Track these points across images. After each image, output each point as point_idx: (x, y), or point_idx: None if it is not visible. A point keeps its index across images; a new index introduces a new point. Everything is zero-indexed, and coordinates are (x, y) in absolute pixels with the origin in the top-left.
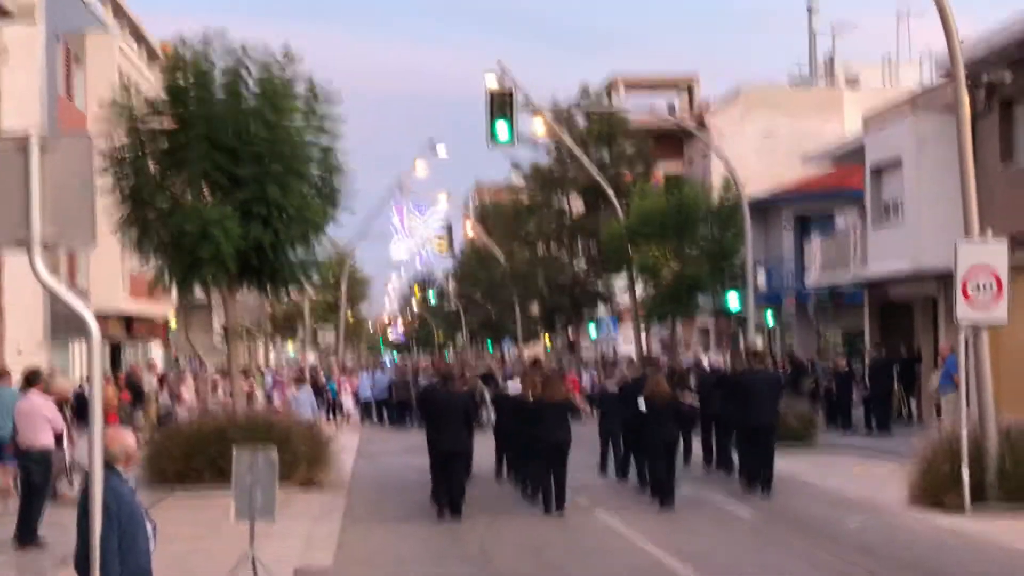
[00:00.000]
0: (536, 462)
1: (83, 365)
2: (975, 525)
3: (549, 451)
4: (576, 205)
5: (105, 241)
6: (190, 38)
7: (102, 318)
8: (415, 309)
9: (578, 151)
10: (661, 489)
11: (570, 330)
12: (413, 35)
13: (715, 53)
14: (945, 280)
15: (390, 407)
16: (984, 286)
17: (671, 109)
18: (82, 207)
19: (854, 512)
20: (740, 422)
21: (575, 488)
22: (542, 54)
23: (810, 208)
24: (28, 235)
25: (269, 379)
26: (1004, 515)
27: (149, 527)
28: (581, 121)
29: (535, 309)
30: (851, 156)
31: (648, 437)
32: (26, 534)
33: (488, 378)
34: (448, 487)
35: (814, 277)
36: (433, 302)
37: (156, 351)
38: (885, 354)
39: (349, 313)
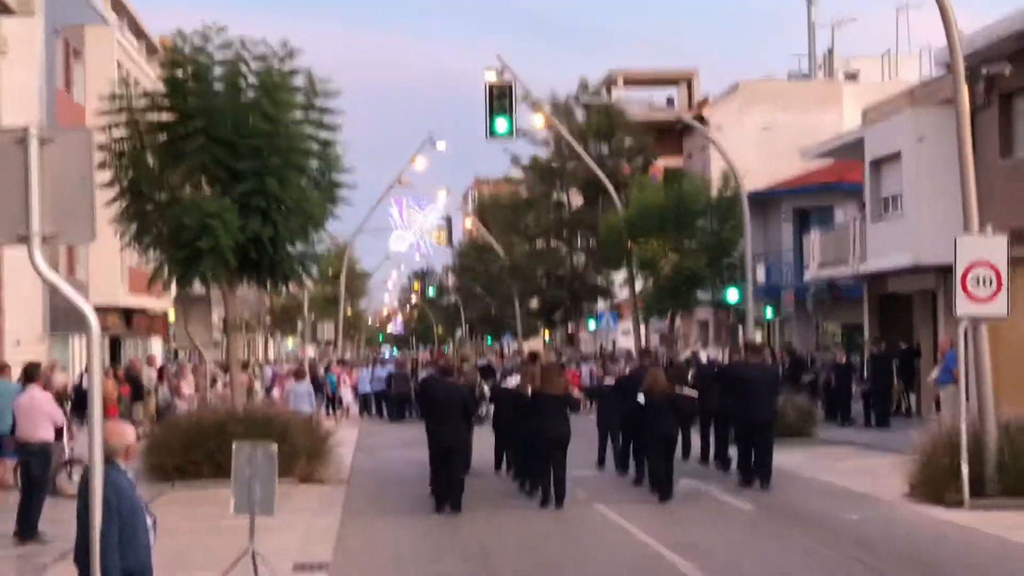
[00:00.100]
0: (535, 456)
1: (83, 359)
2: (974, 519)
3: (548, 445)
4: (575, 199)
5: (104, 235)
6: (189, 32)
7: (101, 312)
8: (414, 303)
9: (577, 145)
10: (660, 483)
11: (569, 324)
12: (413, 31)
13: (714, 50)
14: (945, 274)
15: (389, 401)
16: (984, 280)
17: (670, 103)
18: (81, 201)
19: (853, 506)
20: (738, 416)
21: (574, 482)
22: (542, 52)
23: (809, 202)
24: (27, 229)
25: (268, 373)
26: (1003, 509)
27: (149, 521)
28: (580, 115)
29: (534, 303)
30: (850, 150)
31: (647, 431)
32: (26, 529)
33: (488, 371)
34: (447, 482)
35: (813, 271)
36: (432, 294)
37: (156, 345)
38: (884, 348)
39: (349, 308)
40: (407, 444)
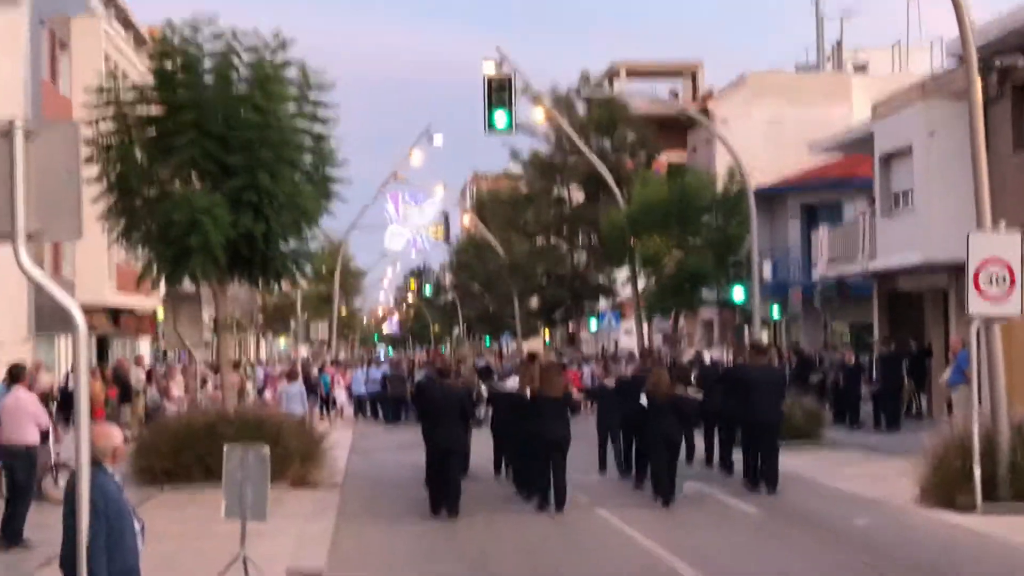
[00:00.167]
0: (534, 459)
1: (69, 359)
2: (987, 523)
3: (547, 448)
4: (576, 195)
5: (91, 231)
6: (179, 23)
7: (88, 311)
8: (410, 302)
9: (578, 139)
10: (662, 486)
11: (570, 324)
12: (410, 21)
13: (720, 41)
14: (956, 272)
15: (384, 402)
16: (997, 278)
17: (674, 96)
18: (68, 197)
19: (862, 510)
20: (743, 419)
21: (574, 486)
22: (542, 43)
23: (817, 197)
24: (12, 225)
25: (260, 374)
26: (1016, 513)
27: (137, 526)
28: (581, 108)
29: (534, 302)
30: (860, 144)
31: (649, 433)
32: (11, 535)
33: (487, 372)
34: (444, 485)
35: (821, 268)
36: (428, 292)
37: (144, 345)
38: (894, 348)
39: (343, 307)
40: (403, 447)
